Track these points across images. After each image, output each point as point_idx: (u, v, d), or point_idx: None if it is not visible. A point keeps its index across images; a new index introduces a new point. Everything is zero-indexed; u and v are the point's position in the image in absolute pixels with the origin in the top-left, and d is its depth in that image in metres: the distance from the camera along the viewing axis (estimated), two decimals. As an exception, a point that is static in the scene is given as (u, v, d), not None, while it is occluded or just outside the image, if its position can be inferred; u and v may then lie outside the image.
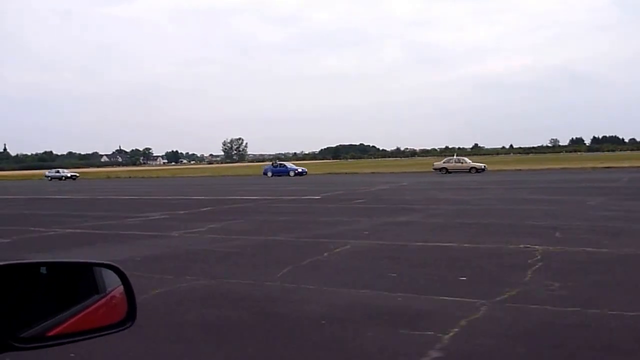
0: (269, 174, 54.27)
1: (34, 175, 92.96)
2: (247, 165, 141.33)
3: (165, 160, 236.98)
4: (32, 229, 14.63)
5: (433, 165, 51.22)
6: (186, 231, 13.26)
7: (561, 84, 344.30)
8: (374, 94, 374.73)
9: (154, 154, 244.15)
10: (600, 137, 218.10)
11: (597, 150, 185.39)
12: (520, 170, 53.63)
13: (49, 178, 71.28)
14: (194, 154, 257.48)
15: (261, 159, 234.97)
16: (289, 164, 59.28)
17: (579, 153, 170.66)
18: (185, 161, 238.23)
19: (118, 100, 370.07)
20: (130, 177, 72.46)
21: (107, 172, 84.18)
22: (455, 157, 53.85)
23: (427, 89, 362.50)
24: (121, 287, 1.86)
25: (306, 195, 25.27)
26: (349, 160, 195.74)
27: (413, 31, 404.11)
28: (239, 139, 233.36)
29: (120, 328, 1.80)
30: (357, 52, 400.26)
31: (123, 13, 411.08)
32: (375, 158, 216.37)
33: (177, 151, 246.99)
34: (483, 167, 48.27)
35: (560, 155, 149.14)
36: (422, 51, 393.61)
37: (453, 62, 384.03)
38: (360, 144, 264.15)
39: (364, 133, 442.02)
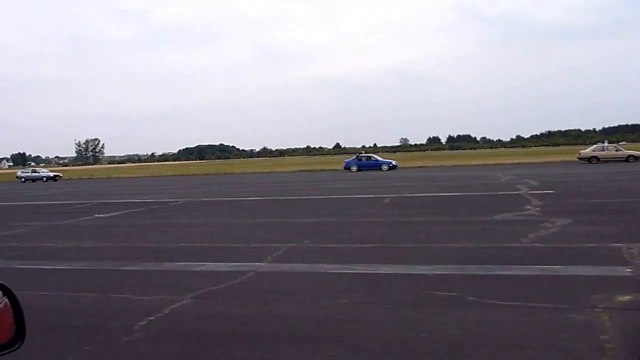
0: (354, 168, 46.91)
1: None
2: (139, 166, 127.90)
3: (11, 163, 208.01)
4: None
5: (579, 153, 45.32)
6: None
7: (405, 84, 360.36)
8: (227, 93, 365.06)
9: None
10: (455, 136, 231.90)
11: (458, 148, 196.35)
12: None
13: (23, 179, 57.72)
14: (38, 156, 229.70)
15: (118, 160, 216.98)
16: (378, 157, 52.17)
17: (444, 151, 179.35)
18: (33, 164, 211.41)
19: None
20: (110, 177, 61.41)
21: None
22: (606, 143, 48.17)
23: (281, 89, 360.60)
24: (4, 306, 1.72)
25: (506, 191, 20.34)
26: (239, 160, 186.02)
27: (262, 29, 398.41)
28: (95, 139, 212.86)
29: (8, 350, 1.70)
30: (207, 50, 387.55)
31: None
32: (243, 158, 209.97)
33: (24, 153, 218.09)
34: None
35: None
36: (273, 50, 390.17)
37: (303, 61, 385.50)
38: (221, 144, 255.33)
39: (221, 133, 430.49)
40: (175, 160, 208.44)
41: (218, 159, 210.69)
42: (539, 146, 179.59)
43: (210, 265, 8.42)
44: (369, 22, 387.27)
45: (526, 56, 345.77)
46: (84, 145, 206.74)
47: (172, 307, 6.14)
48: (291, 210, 17.02)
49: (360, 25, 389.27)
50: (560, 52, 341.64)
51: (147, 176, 60.66)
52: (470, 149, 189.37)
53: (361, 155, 51.06)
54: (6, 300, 1.74)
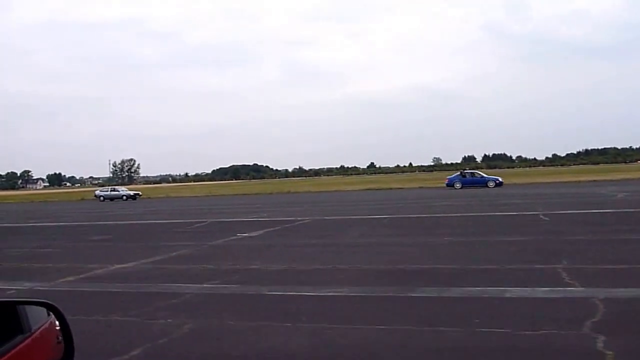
0: (458, 185, 45.65)
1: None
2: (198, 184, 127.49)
3: (47, 184, 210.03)
4: None
5: None
6: None
7: (436, 103, 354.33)
8: (259, 113, 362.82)
9: (34, 177, 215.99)
10: (490, 154, 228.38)
11: (495, 167, 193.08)
12: None
13: (102, 198, 57.44)
14: (72, 177, 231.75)
15: (152, 180, 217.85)
16: (482, 173, 50.74)
17: (482, 170, 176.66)
18: (68, 184, 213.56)
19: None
20: (169, 197, 60.46)
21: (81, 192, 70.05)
22: None
23: (313, 108, 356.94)
24: (49, 325, 1.73)
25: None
26: (277, 179, 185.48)
27: (294, 49, 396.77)
28: (131, 159, 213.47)
29: None
30: (239, 70, 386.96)
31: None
32: (278, 178, 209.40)
33: (60, 173, 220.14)
34: None
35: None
36: (304, 70, 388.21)
37: (335, 80, 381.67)
38: (254, 164, 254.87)
39: (253, 153, 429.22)
40: (210, 180, 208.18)
41: (253, 179, 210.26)
42: (579, 164, 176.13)
43: (516, 291, 7.27)
44: (400, 41, 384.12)
45: (558, 74, 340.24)
46: (119, 166, 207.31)
47: (588, 345, 4.97)
48: (456, 228, 15.83)
49: (391, 44, 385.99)
50: (593, 69, 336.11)
51: (206, 195, 60.08)
52: (507, 167, 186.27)
53: (465, 171, 49.51)
54: (52, 319, 1.77)
